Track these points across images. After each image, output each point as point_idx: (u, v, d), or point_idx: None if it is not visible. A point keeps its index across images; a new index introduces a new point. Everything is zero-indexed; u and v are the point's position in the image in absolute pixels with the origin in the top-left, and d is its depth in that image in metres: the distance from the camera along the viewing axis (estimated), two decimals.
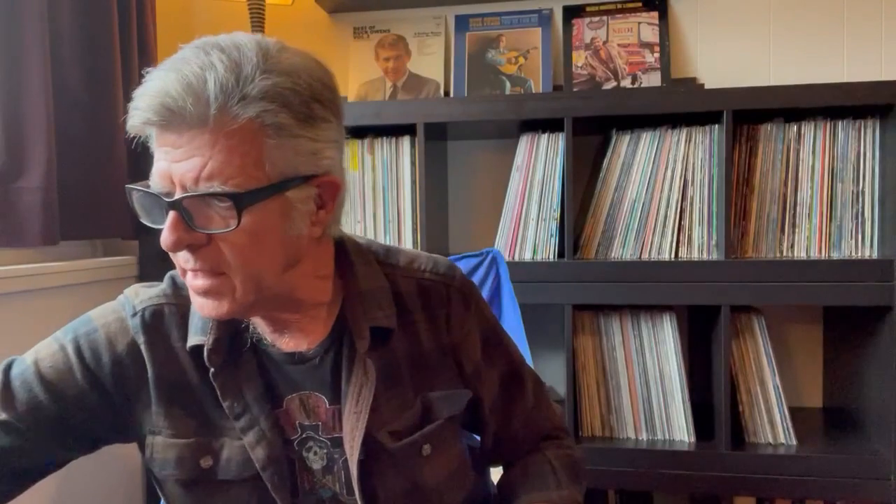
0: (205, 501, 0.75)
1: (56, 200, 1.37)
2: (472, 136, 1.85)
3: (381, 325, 0.76)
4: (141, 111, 0.64)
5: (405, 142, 1.60)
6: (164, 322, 0.76)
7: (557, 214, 1.53)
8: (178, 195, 0.64)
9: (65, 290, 1.45)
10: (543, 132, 1.56)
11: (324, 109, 0.68)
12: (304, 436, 0.76)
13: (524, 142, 1.57)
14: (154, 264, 1.65)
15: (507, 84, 1.80)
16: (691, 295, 1.45)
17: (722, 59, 1.78)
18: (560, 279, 1.48)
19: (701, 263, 1.46)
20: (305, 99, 0.66)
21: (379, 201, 1.63)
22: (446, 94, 1.84)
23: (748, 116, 1.48)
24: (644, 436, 1.54)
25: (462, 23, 1.85)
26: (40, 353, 0.77)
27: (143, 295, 0.78)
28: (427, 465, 0.78)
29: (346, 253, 0.79)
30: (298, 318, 0.75)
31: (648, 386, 1.53)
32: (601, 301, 1.50)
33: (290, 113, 0.65)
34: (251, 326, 0.76)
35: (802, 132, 1.49)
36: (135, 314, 0.77)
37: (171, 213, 0.64)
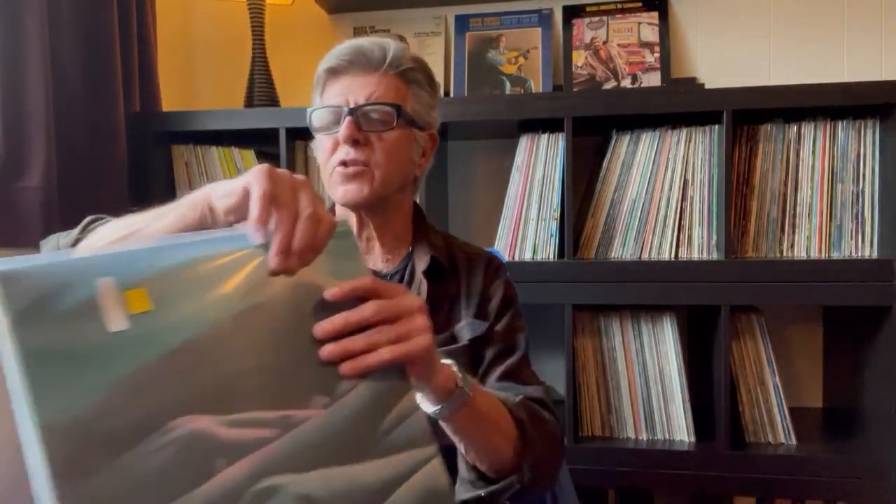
0: None
1: (56, 200, 1.37)
2: (472, 136, 1.85)
3: (437, 258, 0.99)
4: (335, 56, 0.94)
5: None
6: None
7: (557, 214, 1.53)
8: (352, 107, 0.93)
9: None
10: (543, 132, 1.56)
11: (434, 84, 1.02)
12: None
13: (524, 142, 1.57)
14: None
15: (507, 84, 1.80)
16: (691, 295, 1.45)
17: (722, 59, 1.77)
18: (560, 279, 1.48)
19: (701, 263, 1.46)
20: (429, 72, 1.00)
21: None
22: (446, 94, 1.84)
23: (748, 116, 1.48)
24: (644, 436, 1.54)
25: (462, 23, 1.85)
26: None
27: None
28: None
29: (421, 213, 1.06)
30: (386, 239, 1.00)
31: (648, 386, 1.53)
32: (601, 301, 1.50)
33: (424, 76, 0.98)
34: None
35: (802, 132, 1.49)
36: None
37: (349, 118, 0.92)
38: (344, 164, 0.93)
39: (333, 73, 0.95)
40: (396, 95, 0.94)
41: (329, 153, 0.95)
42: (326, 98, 0.96)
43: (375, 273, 0.98)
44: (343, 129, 0.92)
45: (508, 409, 0.83)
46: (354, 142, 0.92)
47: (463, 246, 1.07)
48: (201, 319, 0.51)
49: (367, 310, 0.60)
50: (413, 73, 0.96)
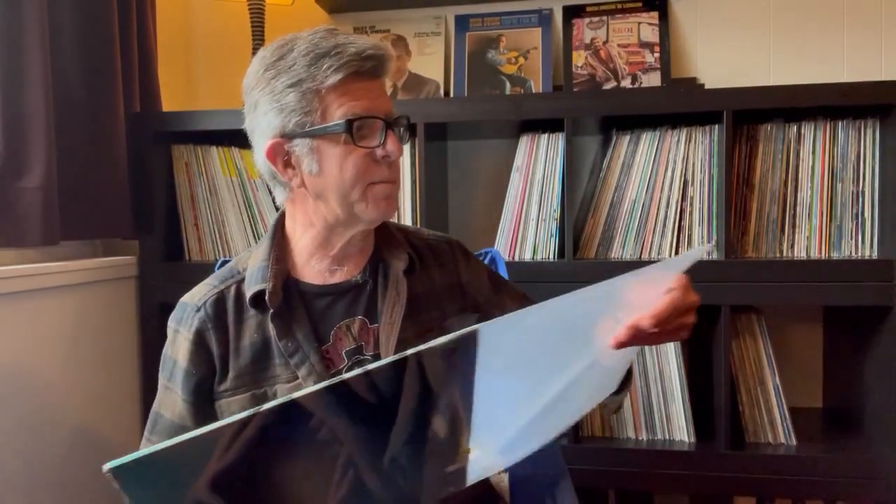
0: None
1: (56, 200, 1.37)
2: (472, 136, 1.85)
3: (412, 255, 0.97)
4: (364, 58, 0.85)
5: None
6: (224, 305, 0.93)
7: (557, 214, 1.53)
8: (388, 119, 0.88)
9: (65, 290, 1.45)
10: (543, 132, 1.56)
11: None
12: (350, 362, 0.92)
13: (524, 142, 1.57)
14: (154, 264, 1.65)
15: (507, 84, 1.80)
16: None
17: (722, 59, 1.78)
18: (560, 279, 1.48)
19: (701, 263, 1.46)
20: None
21: None
22: (446, 94, 1.84)
23: (748, 116, 1.48)
24: (644, 436, 1.54)
25: (462, 23, 1.85)
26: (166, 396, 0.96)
27: (198, 294, 0.95)
28: None
29: None
30: (363, 246, 0.96)
31: (648, 386, 1.53)
32: None
33: None
34: (296, 277, 0.94)
35: (802, 132, 1.49)
36: (198, 309, 0.92)
37: (390, 131, 0.88)
38: (389, 182, 0.89)
39: (356, 75, 0.85)
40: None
41: (364, 168, 0.87)
42: (343, 103, 0.85)
43: (350, 282, 0.94)
44: (393, 144, 0.87)
45: None
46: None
47: (419, 234, 1.04)
48: None
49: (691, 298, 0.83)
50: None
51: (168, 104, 1.78)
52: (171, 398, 0.94)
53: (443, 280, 1.00)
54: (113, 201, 1.55)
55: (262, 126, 0.90)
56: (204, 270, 1.58)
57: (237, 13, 1.87)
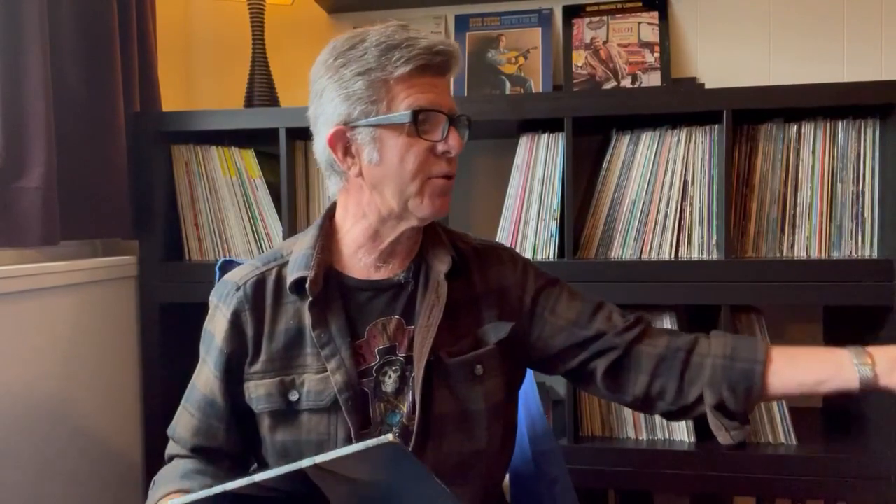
0: (291, 428, 0.90)
1: (56, 200, 1.37)
2: (472, 136, 1.83)
3: (455, 258, 0.96)
4: (437, 53, 0.86)
5: None
6: (263, 287, 0.94)
7: (557, 214, 1.53)
8: (452, 115, 0.89)
9: (65, 290, 1.45)
10: (543, 132, 1.56)
11: None
12: (382, 361, 0.92)
13: (524, 142, 1.57)
14: (154, 264, 1.65)
15: (507, 84, 1.80)
16: (691, 295, 1.45)
17: (722, 59, 1.78)
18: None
19: (701, 263, 1.46)
20: None
21: None
22: None
23: (748, 116, 1.48)
24: (644, 436, 1.54)
25: (462, 23, 1.85)
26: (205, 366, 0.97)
27: (241, 273, 0.96)
28: (478, 387, 0.92)
29: None
30: (410, 244, 0.95)
31: None
32: None
33: None
34: (339, 270, 0.95)
35: (802, 132, 1.49)
36: (238, 288, 0.94)
37: (452, 127, 0.88)
38: (448, 177, 0.90)
39: (424, 68, 0.87)
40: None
41: (424, 161, 0.87)
42: (409, 95, 0.87)
43: (392, 281, 0.94)
44: (456, 139, 0.88)
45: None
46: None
47: (464, 238, 1.04)
48: None
49: None
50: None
51: (168, 104, 1.78)
52: (205, 371, 0.95)
53: (484, 286, 0.98)
54: (113, 201, 1.55)
55: (328, 113, 0.89)
56: (204, 270, 1.59)
57: (237, 13, 1.87)
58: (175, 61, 1.96)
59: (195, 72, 2.01)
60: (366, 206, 0.91)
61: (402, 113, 0.86)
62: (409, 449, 0.88)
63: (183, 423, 0.96)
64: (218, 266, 1.19)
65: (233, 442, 0.95)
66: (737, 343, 0.95)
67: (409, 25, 0.90)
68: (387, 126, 0.86)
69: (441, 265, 0.94)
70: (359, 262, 0.95)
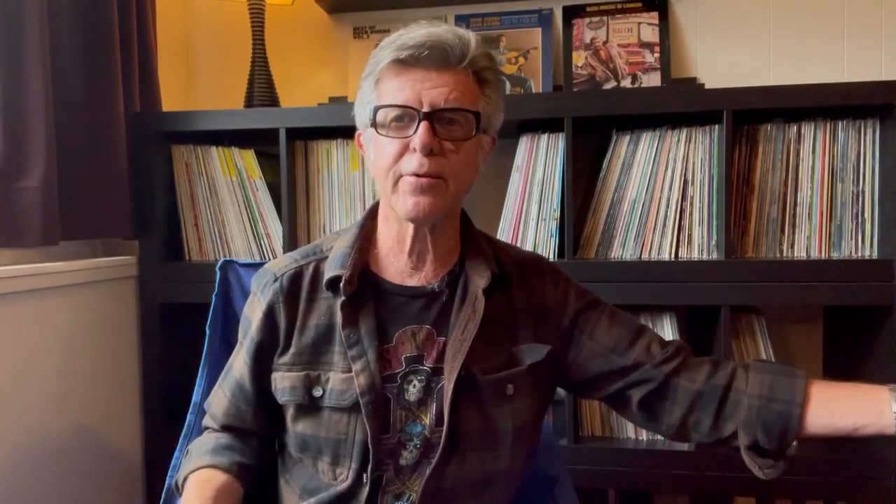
0: (312, 422, 0.91)
1: (56, 200, 1.37)
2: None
3: (495, 273, 0.93)
4: (407, 45, 0.83)
5: None
6: (300, 281, 0.95)
7: (557, 214, 1.53)
8: (427, 110, 0.84)
9: (65, 290, 1.45)
10: (543, 132, 1.55)
11: (502, 84, 0.93)
12: (407, 369, 0.91)
13: (524, 142, 1.57)
14: (154, 264, 1.65)
15: (507, 84, 1.80)
16: (691, 295, 1.45)
17: (722, 59, 1.77)
18: None
19: (701, 263, 1.46)
20: (499, 71, 0.91)
21: None
22: None
23: (748, 116, 1.48)
24: (644, 436, 1.54)
25: (462, 23, 1.85)
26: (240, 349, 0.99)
27: (280, 263, 0.97)
28: (507, 406, 0.91)
29: (467, 218, 0.99)
30: (440, 252, 0.93)
31: None
32: None
33: (495, 76, 0.89)
34: (376, 271, 0.94)
35: (802, 132, 1.49)
36: (276, 279, 0.95)
37: (425, 123, 0.83)
38: (416, 175, 0.84)
39: (403, 64, 0.84)
40: (473, 99, 0.86)
41: (394, 158, 0.85)
42: (388, 91, 0.85)
43: (425, 289, 0.93)
44: (420, 135, 0.83)
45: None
46: (430, 151, 0.84)
47: (508, 249, 1.01)
48: None
49: None
50: (487, 73, 0.88)
51: (168, 104, 1.78)
52: (240, 355, 0.98)
53: (523, 303, 0.96)
54: (113, 201, 1.55)
55: (356, 119, 0.94)
56: (204, 270, 1.59)
57: (237, 13, 1.87)
58: (175, 61, 1.96)
59: (195, 72, 2.01)
60: (385, 206, 0.93)
61: (368, 110, 0.88)
62: (433, 462, 0.88)
63: (217, 402, 1.00)
64: (218, 266, 1.19)
65: (260, 425, 0.98)
66: (775, 381, 0.91)
67: (431, 22, 0.87)
68: (371, 125, 0.88)
69: (480, 279, 0.92)
70: (392, 265, 0.94)
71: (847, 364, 1.61)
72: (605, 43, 1.77)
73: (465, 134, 0.86)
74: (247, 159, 1.66)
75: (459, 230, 0.97)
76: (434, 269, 0.94)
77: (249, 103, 1.76)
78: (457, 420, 0.88)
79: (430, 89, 0.84)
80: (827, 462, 1.42)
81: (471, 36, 0.86)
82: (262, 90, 1.75)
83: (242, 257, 1.64)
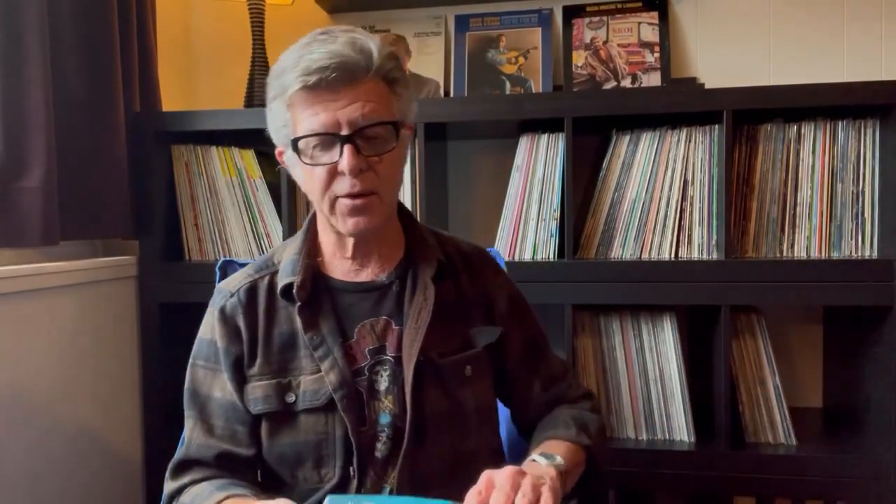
0: (290, 430, 0.92)
1: (56, 200, 1.37)
2: (472, 136, 1.85)
3: (442, 262, 0.96)
4: (311, 69, 0.82)
5: None
6: (256, 294, 0.96)
7: (557, 214, 1.53)
8: (347, 132, 0.84)
9: (65, 290, 1.45)
10: (543, 132, 1.56)
11: (406, 74, 0.93)
12: (373, 361, 0.93)
13: (524, 142, 1.57)
14: (154, 264, 1.65)
15: (507, 84, 1.80)
16: (691, 295, 1.45)
17: (722, 59, 1.77)
18: (560, 279, 1.48)
19: (701, 263, 1.46)
20: (401, 64, 0.91)
21: None
22: (446, 94, 1.84)
23: (748, 116, 1.48)
24: (644, 436, 1.54)
25: (462, 23, 1.85)
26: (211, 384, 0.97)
27: (234, 281, 0.98)
28: (468, 387, 0.95)
29: (406, 211, 1.02)
30: (384, 249, 0.96)
31: (648, 386, 1.53)
32: (601, 301, 1.50)
33: (400, 72, 0.90)
34: (326, 273, 0.96)
35: (802, 132, 1.49)
36: (232, 295, 0.96)
37: (348, 146, 0.84)
38: (351, 195, 0.86)
39: (312, 89, 0.83)
40: (387, 106, 0.87)
41: (325, 184, 0.86)
42: (303, 118, 0.85)
43: (373, 284, 0.95)
44: (346, 159, 0.83)
45: (575, 445, 0.94)
46: (358, 171, 0.84)
47: (452, 241, 1.04)
48: None
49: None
50: (394, 73, 0.88)
51: (168, 104, 1.78)
52: (220, 378, 0.95)
53: (472, 290, 1.00)
54: (113, 201, 1.55)
55: (273, 137, 0.93)
56: (204, 270, 1.59)
57: (237, 13, 1.87)
58: (175, 61, 1.96)
59: (195, 72, 2.01)
60: (324, 220, 0.94)
61: (285, 135, 0.88)
62: (402, 450, 0.90)
63: (202, 436, 0.95)
64: (218, 266, 1.19)
65: (252, 446, 0.94)
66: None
67: (328, 32, 0.87)
68: (293, 150, 0.87)
69: (428, 268, 0.95)
70: (338, 265, 0.97)
71: (847, 364, 1.61)
72: (605, 43, 1.77)
73: (388, 145, 0.87)
74: (247, 159, 1.66)
75: (402, 224, 1.00)
76: (380, 264, 0.96)
77: (249, 103, 1.76)
78: (422, 405, 0.91)
79: (345, 108, 0.84)
80: (827, 462, 1.42)
81: (371, 44, 0.85)
82: (262, 90, 1.75)
83: (242, 257, 1.64)
